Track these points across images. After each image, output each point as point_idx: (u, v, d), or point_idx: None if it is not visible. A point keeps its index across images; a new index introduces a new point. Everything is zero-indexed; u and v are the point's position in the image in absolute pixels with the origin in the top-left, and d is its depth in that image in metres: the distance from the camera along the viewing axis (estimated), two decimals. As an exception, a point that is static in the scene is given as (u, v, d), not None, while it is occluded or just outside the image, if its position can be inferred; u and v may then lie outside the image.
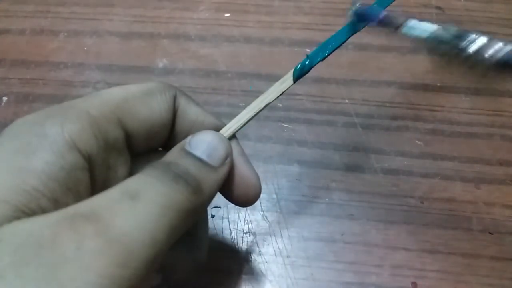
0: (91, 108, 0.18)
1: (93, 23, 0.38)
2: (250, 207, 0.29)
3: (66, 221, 0.14)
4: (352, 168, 0.31)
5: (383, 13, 0.21)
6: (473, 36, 0.18)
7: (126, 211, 0.14)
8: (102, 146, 0.17)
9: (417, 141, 0.32)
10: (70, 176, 0.16)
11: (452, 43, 0.19)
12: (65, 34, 0.38)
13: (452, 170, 0.30)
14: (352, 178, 0.30)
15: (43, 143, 0.16)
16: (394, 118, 0.33)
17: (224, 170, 0.19)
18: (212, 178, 0.18)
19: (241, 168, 0.21)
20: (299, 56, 0.36)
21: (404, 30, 0.20)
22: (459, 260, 0.27)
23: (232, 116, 0.33)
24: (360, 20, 0.22)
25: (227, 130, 0.21)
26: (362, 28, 0.21)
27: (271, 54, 0.36)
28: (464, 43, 0.18)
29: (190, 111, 0.21)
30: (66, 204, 0.15)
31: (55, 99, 0.34)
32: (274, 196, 0.30)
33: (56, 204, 0.15)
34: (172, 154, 0.18)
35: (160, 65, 0.36)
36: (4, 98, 0.34)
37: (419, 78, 0.34)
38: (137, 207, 0.15)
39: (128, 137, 0.19)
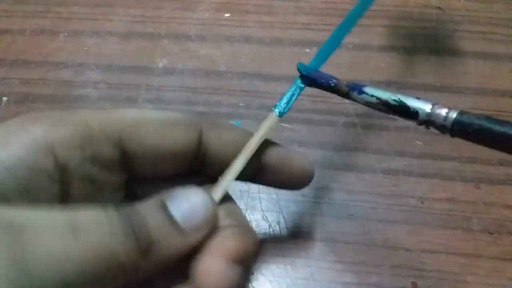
0: (93, 121, 0.17)
1: (93, 23, 0.38)
2: (250, 207, 0.29)
3: None
4: (352, 168, 0.31)
5: (333, 81, 0.22)
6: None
7: (53, 238, 0.13)
8: (88, 159, 0.17)
9: (417, 141, 0.32)
10: (32, 178, 0.15)
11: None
12: (65, 34, 0.38)
13: (452, 170, 0.30)
14: (352, 178, 0.30)
15: (22, 139, 0.16)
16: (394, 118, 0.32)
17: (194, 237, 0.16)
18: (174, 243, 0.16)
19: (286, 157, 0.22)
20: (299, 56, 0.36)
21: (361, 95, 0.22)
22: (459, 260, 0.27)
23: (232, 116, 0.33)
24: (308, 82, 0.23)
25: (221, 185, 0.19)
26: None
27: (271, 54, 0.36)
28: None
29: (222, 140, 0.20)
30: (17, 205, 0.14)
31: (55, 99, 0.34)
32: (274, 196, 0.30)
33: (7, 202, 0.15)
34: (148, 201, 0.17)
35: (160, 65, 0.36)
36: (4, 98, 0.34)
37: (419, 78, 0.34)
38: (68, 239, 0.13)
39: (128, 159, 0.18)
